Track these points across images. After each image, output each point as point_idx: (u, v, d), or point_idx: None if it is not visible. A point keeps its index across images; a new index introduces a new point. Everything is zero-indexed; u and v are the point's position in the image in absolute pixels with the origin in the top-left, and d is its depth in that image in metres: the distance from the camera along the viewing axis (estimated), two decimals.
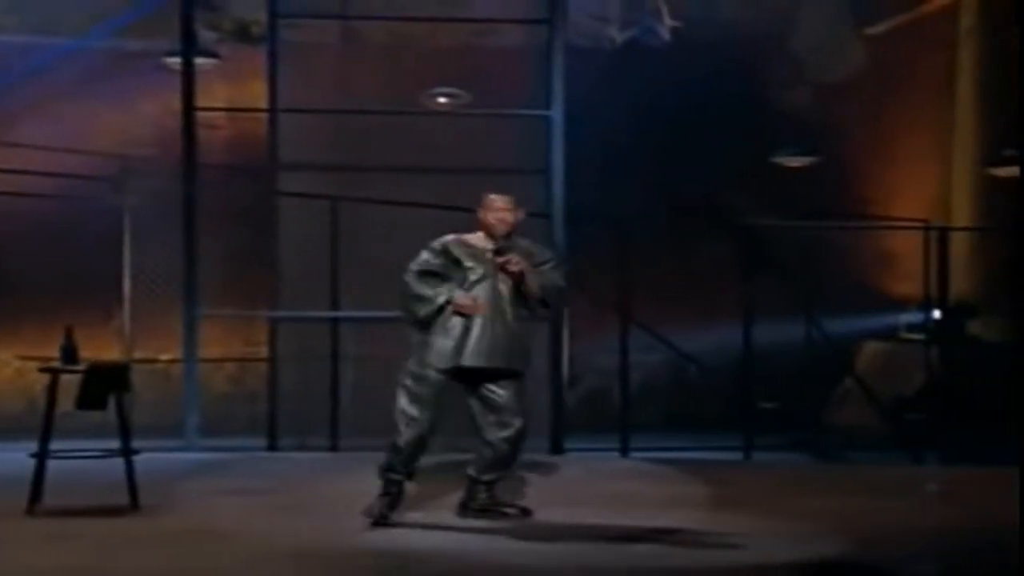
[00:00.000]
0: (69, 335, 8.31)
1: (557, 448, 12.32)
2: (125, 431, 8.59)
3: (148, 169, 13.20)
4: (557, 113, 12.40)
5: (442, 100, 13.51)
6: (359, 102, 12.87)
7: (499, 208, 8.18)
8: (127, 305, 13.16)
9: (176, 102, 13.00)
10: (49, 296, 12.97)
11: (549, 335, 12.68)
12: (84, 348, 8.49)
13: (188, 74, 12.17)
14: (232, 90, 13.98)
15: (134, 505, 8.64)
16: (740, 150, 15.20)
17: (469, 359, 8.08)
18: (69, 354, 8.21)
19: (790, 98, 16.53)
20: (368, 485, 8.44)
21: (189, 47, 12.12)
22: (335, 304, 12.35)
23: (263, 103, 13.59)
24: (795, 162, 15.84)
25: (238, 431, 12.70)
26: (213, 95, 14.26)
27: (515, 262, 8.03)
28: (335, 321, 12.39)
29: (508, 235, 8.16)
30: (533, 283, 8.12)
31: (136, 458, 8.69)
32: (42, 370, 8.60)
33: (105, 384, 8.12)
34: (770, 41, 16.25)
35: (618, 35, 15.54)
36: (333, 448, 12.00)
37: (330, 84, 13.11)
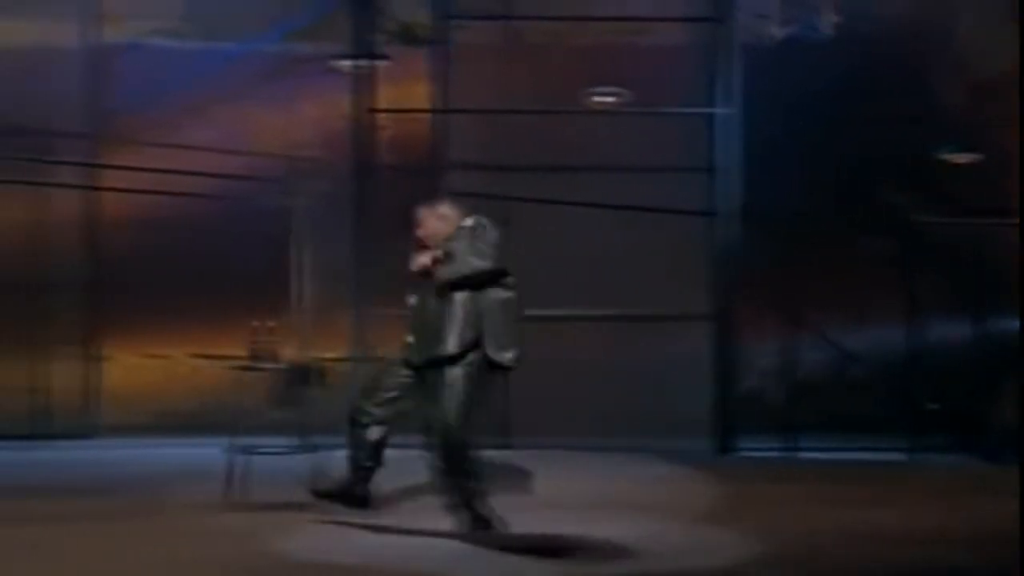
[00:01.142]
0: (261, 334, 8.54)
1: (724, 448, 12.35)
2: (312, 428, 8.79)
3: (317, 170, 13.44)
4: (731, 111, 12.43)
5: (602, 99, 13.59)
6: (519, 102, 13.00)
7: (423, 221, 8.29)
8: (300, 305, 13.40)
9: (342, 105, 13.26)
10: (218, 295, 13.27)
11: (715, 334, 12.71)
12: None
13: (363, 77, 12.42)
14: (394, 92, 14.18)
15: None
16: (902, 146, 15.06)
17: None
18: (262, 353, 8.43)
19: (951, 93, 16.36)
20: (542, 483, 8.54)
21: (361, 50, 12.35)
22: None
23: (424, 104, 13.81)
24: (959, 158, 15.65)
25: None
26: (375, 97, 14.49)
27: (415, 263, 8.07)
28: None
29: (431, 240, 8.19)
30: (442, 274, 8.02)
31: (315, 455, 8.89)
32: (237, 368, 8.84)
33: (300, 382, 8.37)
34: (931, 35, 16.09)
35: (778, 31, 15.48)
36: (505, 447, 12.06)
37: (492, 84, 13.25)
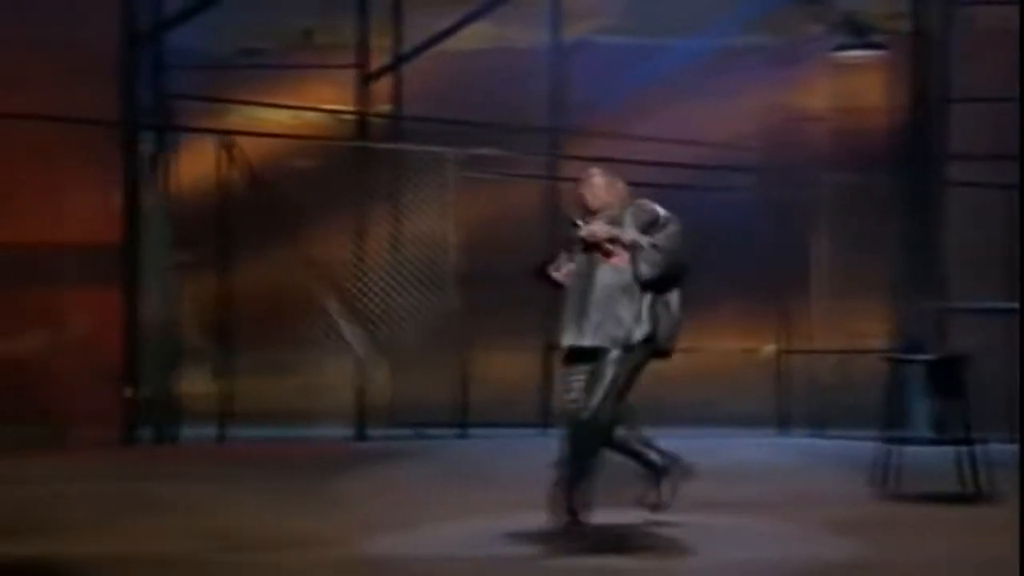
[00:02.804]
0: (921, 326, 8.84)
1: None
2: (967, 423, 8.87)
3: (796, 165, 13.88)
4: None
5: None
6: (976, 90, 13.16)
7: (587, 182, 7.91)
8: (818, 295, 13.81)
9: (793, 97, 13.64)
10: (734, 287, 13.75)
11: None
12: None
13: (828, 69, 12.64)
14: (838, 84, 14.64)
15: (978, 494, 9.03)
16: None
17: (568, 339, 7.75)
18: (917, 344, 8.79)
19: None
20: None
21: (856, 39, 12.74)
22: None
23: (869, 96, 14.16)
24: None
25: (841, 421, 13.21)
26: (817, 89, 14.98)
27: (591, 228, 7.67)
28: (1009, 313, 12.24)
29: (600, 210, 7.77)
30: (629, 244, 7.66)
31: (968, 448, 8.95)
32: (889, 360, 9.07)
33: (956, 373, 8.60)
34: None
35: None
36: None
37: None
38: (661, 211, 7.76)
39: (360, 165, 13.29)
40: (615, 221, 7.71)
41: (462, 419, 12.89)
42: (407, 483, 9.83)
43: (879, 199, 13.31)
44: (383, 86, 14.69)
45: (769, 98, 14.60)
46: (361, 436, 12.69)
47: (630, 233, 7.64)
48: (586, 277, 7.67)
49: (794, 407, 13.99)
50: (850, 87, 14.43)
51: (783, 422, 13.92)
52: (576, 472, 7.56)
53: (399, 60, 14.42)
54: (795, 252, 13.83)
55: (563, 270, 7.77)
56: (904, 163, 13.27)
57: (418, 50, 14.47)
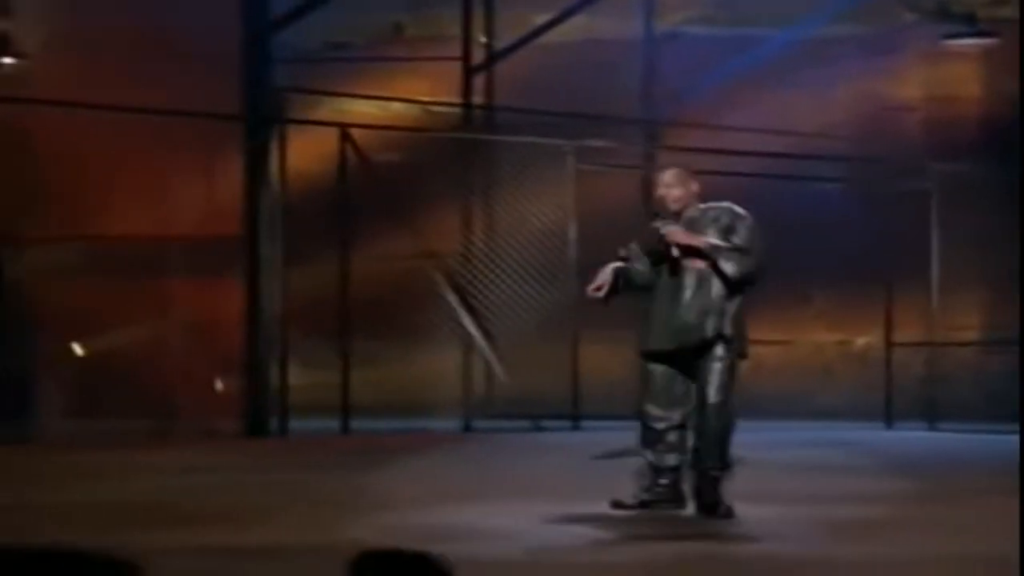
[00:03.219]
0: None
1: None
2: None
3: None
4: None
5: None
6: None
7: (664, 183, 7.85)
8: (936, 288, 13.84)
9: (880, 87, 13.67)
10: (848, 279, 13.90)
11: None
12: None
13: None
14: (927, 72, 14.74)
15: None
16: None
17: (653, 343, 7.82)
18: None
19: None
20: None
21: (967, 27, 12.80)
22: None
23: (962, 84, 14.23)
24: None
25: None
26: (905, 78, 15.05)
27: (672, 231, 7.63)
28: None
29: (681, 211, 7.74)
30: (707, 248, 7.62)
31: None
32: None
33: None
34: None
35: None
36: None
37: None
38: (737, 210, 7.74)
39: (473, 157, 13.36)
40: (693, 222, 7.71)
41: (574, 411, 12.93)
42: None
43: (985, 190, 13.33)
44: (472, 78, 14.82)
45: (863, 88, 14.71)
46: (467, 427, 12.76)
47: (708, 238, 7.65)
48: (669, 282, 7.69)
49: (900, 399, 14.00)
50: (946, 76, 14.53)
51: (892, 414, 13.92)
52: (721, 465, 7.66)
53: (499, 53, 14.46)
54: (902, 243, 13.80)
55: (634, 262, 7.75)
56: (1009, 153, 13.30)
57: (518, 44, 14.53)
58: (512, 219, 13.16)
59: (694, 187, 7.82)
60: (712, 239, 7.64)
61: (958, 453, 11.57)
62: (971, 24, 12.87)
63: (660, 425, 7.75)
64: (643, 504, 7.77)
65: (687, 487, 7.74)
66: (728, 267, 7.61)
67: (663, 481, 7.81)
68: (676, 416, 7.74)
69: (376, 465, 9.73)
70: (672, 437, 7.78)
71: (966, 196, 13.44)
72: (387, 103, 14.34)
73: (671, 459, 7.78)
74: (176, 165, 12.14)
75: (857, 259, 13.87)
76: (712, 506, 7.58)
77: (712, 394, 7.62)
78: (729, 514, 7.52)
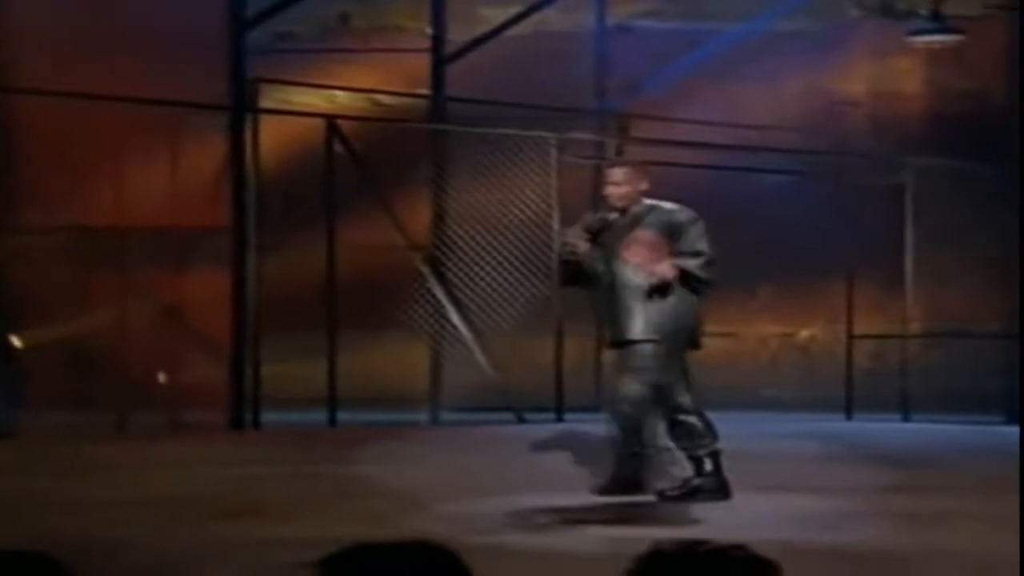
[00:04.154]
0: None
1: None
2: None
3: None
4: None
5: None
6: None
7: (612, 180, 8.01)
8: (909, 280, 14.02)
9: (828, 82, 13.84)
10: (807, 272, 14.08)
11: None
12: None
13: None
14: (872, 67, 15.02)
15: None
16: None
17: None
18: None
19: None
20: None
21: (936, 26, 13.04)
22: None
23: (904, 80, 14.52)
24: None
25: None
26: (852, 73, 15.30)
27: (634, 251, 7.84)
28: None
29: (626, 208, 7.91)
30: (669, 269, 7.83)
31: None
32: None
33: None
34: None
35: None
36: None
37: None
38: (686, 215, 7.91)
39: (449, 148, 13.30)
40: (636, 219, 7.86)
41: (558, 404, 12.89)
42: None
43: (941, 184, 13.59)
44: (418, 69, 14.72)
45: (812, 82, 14.87)
46: (435, 420, 12.74)
47: (681, 262, 7.80)
48: (614, 277, 7.87)
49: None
50: (892, 72, 14.81)
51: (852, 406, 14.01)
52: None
53: (468, 47, 14.33)
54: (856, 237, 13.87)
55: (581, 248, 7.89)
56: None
57: (483, 38, 14.43)
58: (501, 211, 13.07)
59: (643, 185, 7.93)
60: (688, 261, 7.80)
61: (928, 445, 11.59)
62: (937, 20, 13.12)
63: (692, 418, 7.92)
64: (690, 492, 7.93)
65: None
66: (702, 274, 7.82)
67: (707, 468, 7.98)
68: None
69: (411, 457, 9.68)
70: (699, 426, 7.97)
71: (929, 190, 13.73)
72: (331, 93, 14.30)
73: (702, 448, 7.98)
74: (166, 155, 11.98)
75: (811, 252, 14.09)
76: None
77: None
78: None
